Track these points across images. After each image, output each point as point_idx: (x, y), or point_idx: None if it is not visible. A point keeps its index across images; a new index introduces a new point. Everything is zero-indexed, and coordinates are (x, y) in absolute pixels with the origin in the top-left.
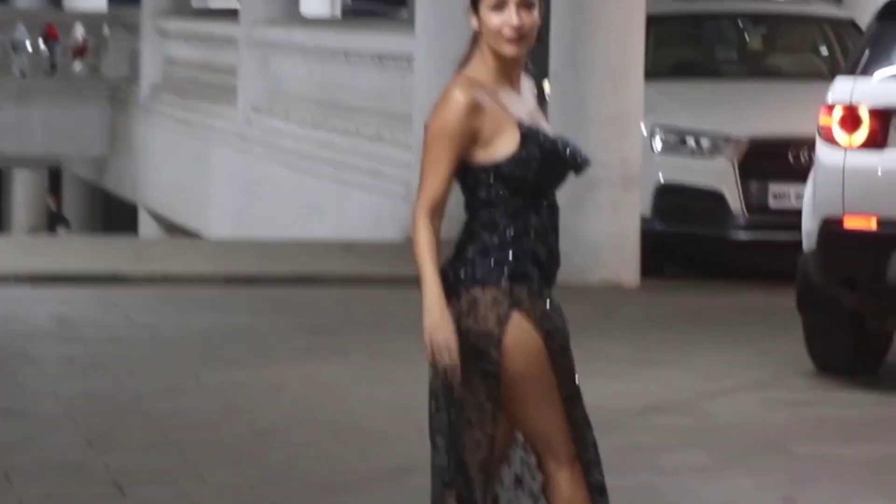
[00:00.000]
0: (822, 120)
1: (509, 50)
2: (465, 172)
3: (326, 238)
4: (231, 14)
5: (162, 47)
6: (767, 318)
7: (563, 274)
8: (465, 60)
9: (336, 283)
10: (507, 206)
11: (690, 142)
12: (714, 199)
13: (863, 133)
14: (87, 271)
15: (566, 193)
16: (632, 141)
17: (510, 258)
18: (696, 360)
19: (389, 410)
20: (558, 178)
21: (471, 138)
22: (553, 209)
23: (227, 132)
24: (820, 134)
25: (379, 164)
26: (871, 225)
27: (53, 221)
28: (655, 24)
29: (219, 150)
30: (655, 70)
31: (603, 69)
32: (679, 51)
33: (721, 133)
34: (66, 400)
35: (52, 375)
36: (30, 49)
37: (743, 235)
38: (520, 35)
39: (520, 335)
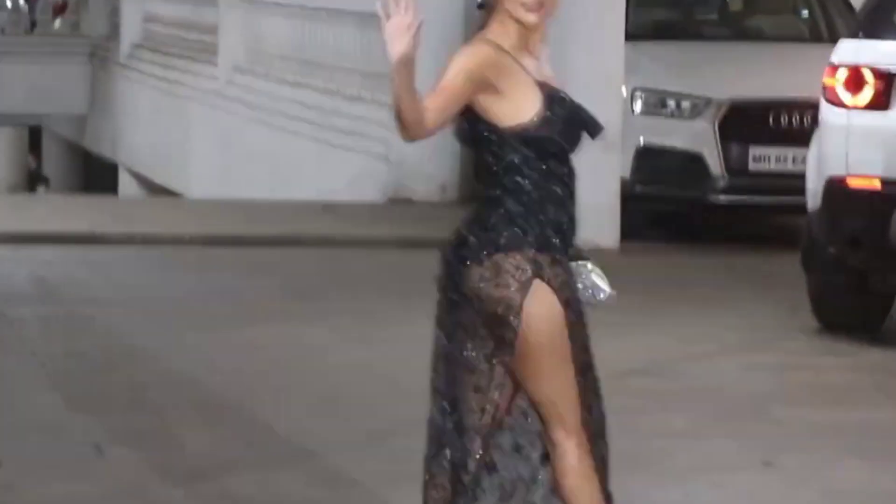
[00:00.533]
0: (827, 81)
1: (531, 18)
2: (490, 137)
3: (307, 199)
4: None
5: (142, 5)
6: (748, 281)
7: None
8: (482, 27)
9: (316, 244)
10: (533, 172)
11: (671, 104)
12: (694, 162)
13: (867, 94)
14: (67, 231)
15: None
16: (612, 103)
17: (535, 226)
18: (676, 324)
19: (368, 372)
20: (579, 141)
21: (483, 86)
22: (572, 175)
23: (207, 91)
24: (824, 95)
25: (359, 124)
26: (875, 184)
27: (33, 180)
28: None
29: (199, 109)
30: (636, 31)
31: (583, 31)
32: (660, 12)
33: (701, 95)
34: (45, 361)
35: (30, 336)
36: (9, 6)
37: (723, 198)
38: (540, 3)
39: (541, 303)
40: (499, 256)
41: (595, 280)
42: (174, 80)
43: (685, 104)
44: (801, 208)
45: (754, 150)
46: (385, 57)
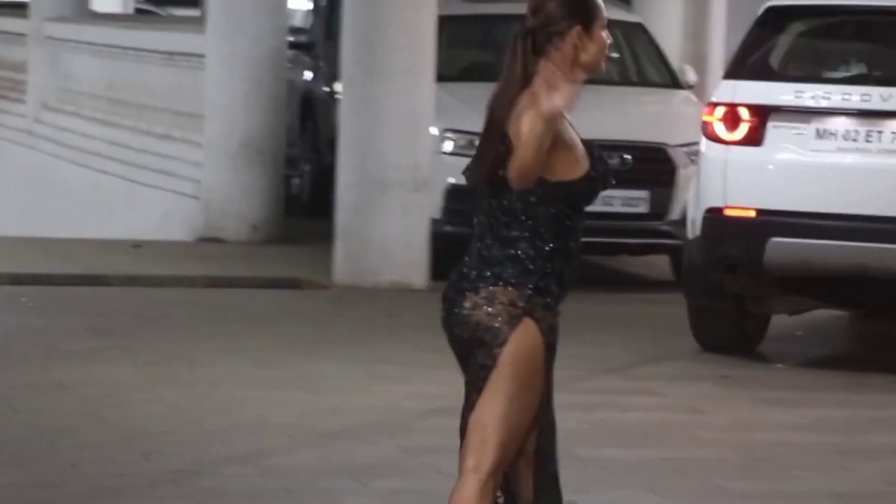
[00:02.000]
0: (706, 118)
1: (604, 65)
2: (530, 187)
3: (116, 237)
4: (20, 9)
5: None
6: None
7: (353, 275)
8: (521, 79)
9: (125, 283)
10: (558, 226)
11: None
12: None
13: (742, 130)
14: None
15: (357, 195)
16: (422, 143)
17: (540, 272)
18: None
19: (176, 412)
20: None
21: (550, 139)
22: (582, 231)
23: (16, 129)
24: (704, 131)
25: (169, 163)
26: (751, 214)
27: None
28: (447, 26)
29: (7, 147)
30: (447, 72)
31: (394, 71)
32: (470, 54)
33: None
34: None
35: None
36: None
37: None
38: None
39: (525, 339)
40: (497, 289)
41: None
42: None
43: None
44: (611, 248)
45: None
46: (197, 97)
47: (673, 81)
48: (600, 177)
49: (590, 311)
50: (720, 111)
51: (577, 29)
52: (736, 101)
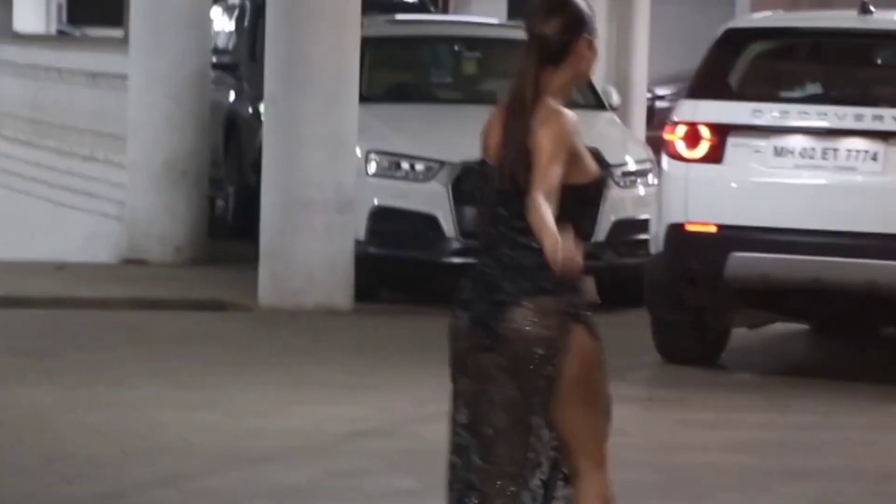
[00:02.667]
0: (667, 136)
1: (591, 72)
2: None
3: (39, 259)
4: None
5: None
6: None
7: (277, 297)
8: (534, 88)
9: (48, 305)
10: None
11: (405, 166)
12: (428, 223)
13: (703, 148)
14: None
15: (281, 216)
16: (346, 164)
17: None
18: (409, 385)
19: (98, 435)
20: None
21: (571, 152)
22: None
23: None
24: (665, 149)
25: (93, 184)
26: (711, 229)
27: None
28: (370, 47)
29: None
30: (371, 93)
31: (318, 92)
32: (394, 75)
33: (435, 158)
34: None
35: None
36: None
37: (457, 260)
38: None
39: (580, 343)
40: (542, 299)
41: None
42: None
43: (419, 166)
44: None
45: None
46: (120, 118)
47: (597, 103)
48: (604, 179)
49: None
50: (681, 130)
51: (586, 39)
52: (696, 119)
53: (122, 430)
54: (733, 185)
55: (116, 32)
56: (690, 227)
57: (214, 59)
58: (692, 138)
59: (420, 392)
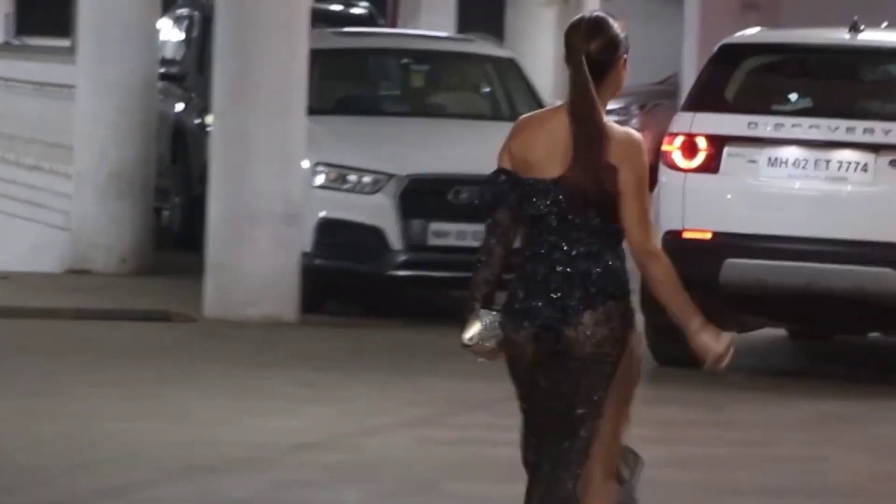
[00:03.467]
0: (665, 147)
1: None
2: (609, 203)
3: None
4: None
5: None
6: (426, 355)
7: (223, 308)
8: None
9: None
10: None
11: (352, 178)
12: (374, 236)
13: (700, 158)
14: None
15: (227, 227)
16: (294, 176)
17: (627, 282)
18: (354, 397)
19: (43, 445)
20: None
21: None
22: None
23: None
24: (663, 160)
25: (38, 194)
26: (707, 236)
27: None
28: (319, 59)
29: None
30: (319, 105)
31: (266, 103)
32: (343, 87)
33: (382, 170)
34: None
35: None
36: None
37: (403, 273)
38: None
39: (637, 344)
40: (610, 303)
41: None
42: None
43: (366, 179)
44: None
45: (434, 226)
46: (67, 127)
47: None
48: None
49: (457, 347)
50: (679, 141)
51: (624, 58)
52: (693, 131)
53: (67, 440)
54: (729, 194)
55: (63, 42)
56: (687, 234)
57: (162, 70)
58: (689, 149)
59: (364, 404)
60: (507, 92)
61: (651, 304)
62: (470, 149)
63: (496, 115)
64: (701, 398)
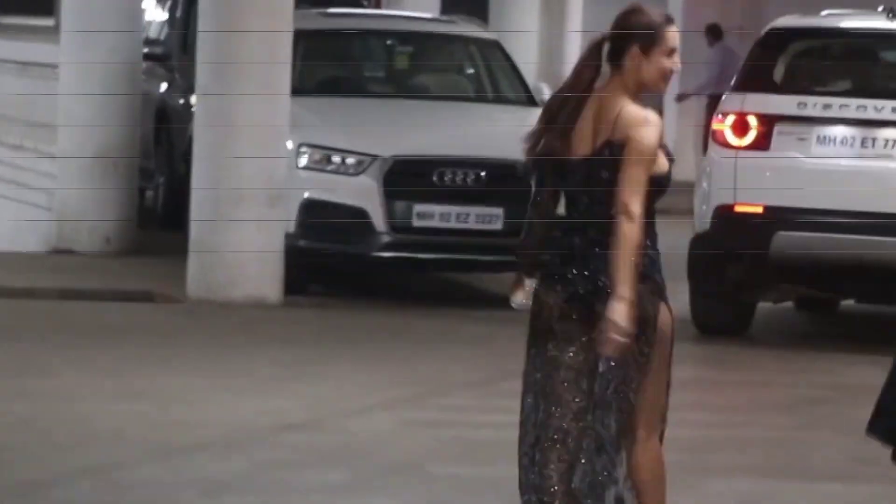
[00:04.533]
0: (716, 126)
1: (665, 87)
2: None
3: None
4: None
5: None
6: (411, 337)
7: (206, 289)
8: (586, 84)
9: None
10: (650, 215)
11: (336, 160)
12: (358, 218)
13: (751, 136)
14: None
15: (211, 208)
16: (278, 157)
17: (657, 261)
18: (339, 378)
19: (26, 425)
20: None
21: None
22: None
23: None
24: (713, 137)
25: (21, 173)
26: (759, 210)
27: None
28: (303, 40)
29: None
30: (303, 86)
31: (250, 84)
32: (326, 68)
33: (366, 152)
34: None
35: None
36: None
37: (387, 254)
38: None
39: (664, 320)
40: (638, 285)
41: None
42: None
43: (350, 160)
44: (466, 265)
45: (419, 207)
46: (51, 107)
47: (528, 99)
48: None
49: (442, 328)
50: (730, 120)
51: (635, 49)
52: (745, 110)
53: (50, 420)
54: (779, 169)
55: (43, 21)
56: (739, 209)
57: (146, 50)
58: (740, 128)
59: (349, 385)
60: (490, 74)
61: (698, 274)
62: (454, 130)
63: (480, 97)
64: (684, 378)
